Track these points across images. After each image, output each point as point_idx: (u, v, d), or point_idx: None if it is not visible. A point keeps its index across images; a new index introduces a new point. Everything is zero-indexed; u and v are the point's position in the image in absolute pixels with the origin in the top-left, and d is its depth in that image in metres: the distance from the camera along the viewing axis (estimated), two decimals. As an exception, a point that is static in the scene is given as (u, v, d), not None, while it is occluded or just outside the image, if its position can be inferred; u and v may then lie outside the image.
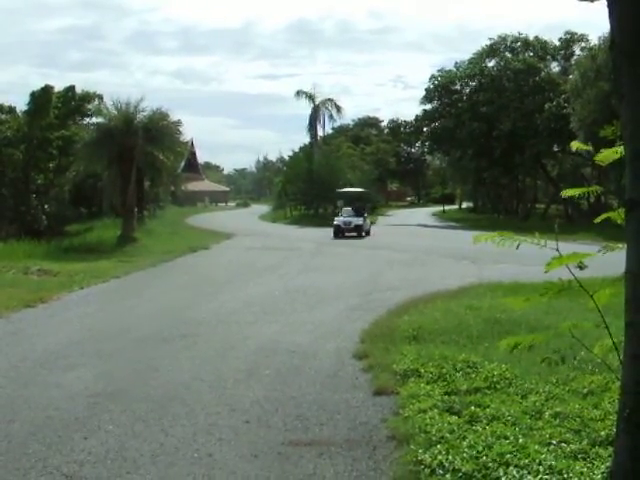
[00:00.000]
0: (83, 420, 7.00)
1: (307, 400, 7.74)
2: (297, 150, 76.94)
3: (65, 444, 6.33)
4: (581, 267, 3.53)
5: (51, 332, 11.54)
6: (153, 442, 6.37)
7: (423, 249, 28.24)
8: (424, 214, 70.14)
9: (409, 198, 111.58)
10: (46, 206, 41.38)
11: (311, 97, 62.13)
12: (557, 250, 3.50)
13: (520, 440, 5.90)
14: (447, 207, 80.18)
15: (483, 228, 43.44)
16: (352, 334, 11.12)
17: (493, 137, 53.51)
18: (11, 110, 43.15)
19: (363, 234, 38.10)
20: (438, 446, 5.84)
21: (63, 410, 7.32)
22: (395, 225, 51.37)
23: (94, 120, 38.45)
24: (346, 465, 5.86)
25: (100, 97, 38.11)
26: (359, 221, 38.39)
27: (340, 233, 37.64)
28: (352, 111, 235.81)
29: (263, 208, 73.22)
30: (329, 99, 63.01)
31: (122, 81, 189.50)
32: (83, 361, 9.50)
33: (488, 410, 6.76)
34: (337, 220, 38.92)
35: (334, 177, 58.51)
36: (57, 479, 5.59)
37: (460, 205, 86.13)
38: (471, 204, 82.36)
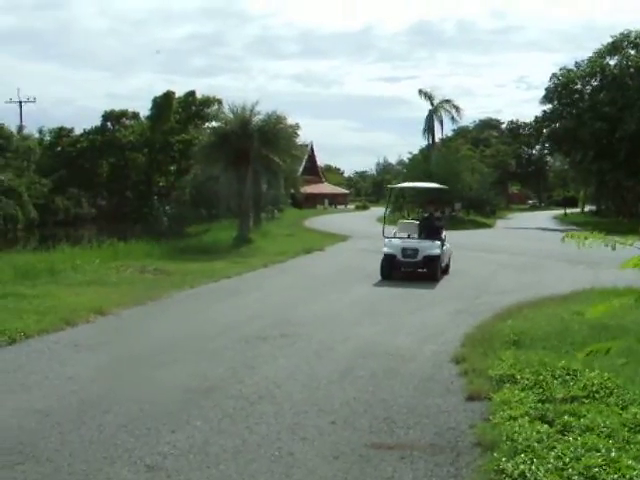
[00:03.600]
0: (173, 414, 7.15)
1: (397, 403, 7.65)
2: (416, 152, 76.61)
3: (152, 436, 6.49)
4: None
5: (156, 329, 11.88)
6: (237, 438, 6.44)
7: (540, 253, 27.55)
8: (545, 217, 68.44)
9: (530, 201, 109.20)
10: (167, 208, 42.89)
11: (430, 98, 61.65)
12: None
13: (612, 454, 5.60)
14: (569, 210, 77.92)
15: (606, 232, 41.99)
16: (454, 338, 10.95)
17: (616, 138, 51.43)
18: (135, 116, 44.92)
19: (439, 273, 19.42)
20: (522, 455, 5.63)
21: (156, 404, 7.50)
22: (514, 228, 50.31)
23: (213, 124, 39.35)
24: (426, 470, 5.74)
25: (219, 102, 39.13)
26: (433, 249, 19.31)
27: (393, 270, 19.48)
28: (473, 113, 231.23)
29: (381, 211, 72.93)
30: (447, 100, 62.38)
31: (244, 86, 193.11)
32: (183, 357, 9.72)
33: (583, 420, 6.47)
34: (388, 246, 19.70)
35: (453, 179, 57.78)
36: (140, 469, 5.74)
37: (582, 208, 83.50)
38: (594, 207, 79.70)
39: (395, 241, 19.79)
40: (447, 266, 20.51)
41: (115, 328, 11.93)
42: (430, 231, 20.08)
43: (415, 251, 19.13)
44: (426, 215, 21.50)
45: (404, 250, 19.24)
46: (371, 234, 41.08)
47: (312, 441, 6.44)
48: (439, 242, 19.40)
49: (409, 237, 20.36)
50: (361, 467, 5.84)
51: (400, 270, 19.44)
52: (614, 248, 4.47)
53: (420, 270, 19.36)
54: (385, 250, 19.36)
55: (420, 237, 20.20)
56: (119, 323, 12.38)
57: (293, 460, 5.97)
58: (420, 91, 62.39)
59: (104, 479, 5.55)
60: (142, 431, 6.64)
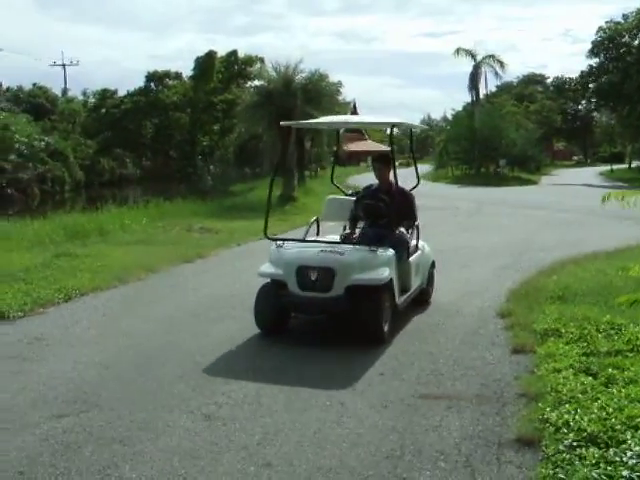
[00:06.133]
0: (226, 367, 7.45)
1: (444, 355, 7.84)
2: (459, 109, 75.87)
3: (207, 387, 6.79)
4: None
5: (205, 285, 12.18)
6: (289, 391, 6.69)
7: (585, 209, 27.26)
8: (590, 174, 67.45)
9: (576, 157, 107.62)
10: (211, 167, 43.37)
11: (472, 55, 60.64)
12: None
13: (655, 405, 5.73)
14: (615, 166, 76.47)
15: (653, 188, 41.47)
16: (499, 293, 11.05)
17: (664, 92, 50.39)
18: (178, 76, 45.15)
19: (384, 323, 8.24)
20: (567, 405, 5.79)
21: (209, 357, 7.78)
22: (559, 185, 49.75)
23: (256, 83, 39.41)
24: (473, 419, 5.93)
25: (262, 60, 39.03)
26: (373, 269, 8.24)
27: (282, 316, 8.74)
28: (518, 68, 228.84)
29: (425, 167, 72.53)
30: (491, 56, 61.30)
31: (286, 44, 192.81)
32: (232, 313, 9.99)
33: (626, 373, 6.56)
34: (274, 261, 8.71)
35: (497, 136, 57.37)
36: (197, 418, 6.04)
37: (630, 164, 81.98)
38: (641, 163, 78.20)
39: (290, 250, 8.75)
40: (424, 291, 10.33)
41: (166, 285, 12.29)
42: (378, 222, 9.33)
43: (327, 273, 8.20)
44: (373, 187, 9.94)
45: (302, 272, 8.32)
46: (414, 191, 41.23)
47: (362, 392, 6.66)
48: (391, 251, 8.59)
49: (346, 236, 9.83)
50: (409, 416, 6.05)
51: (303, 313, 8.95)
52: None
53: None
54: (263, 271, 8.89)
55: (362, 237, 9.26)
56: (169, 280, 12.72)
57: (344, 409, 6.20)
58: (458, 49, 60.88)
59: (164, 426, 5.84)
60: (198, 382, 6.95)
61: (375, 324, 8.19)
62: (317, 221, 10.22)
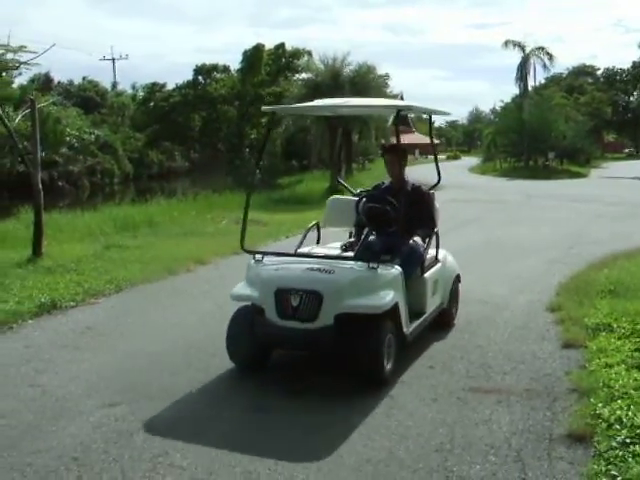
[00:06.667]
0: (278, 359, 7.45)
1: (493, 349, 7.79)
2: (508, 101, 75.05)
3: (257, 378, 6.88)
4: None
5: (254, 277, 12.21)
6: (338, 382, 6.74)
7: (637, 203, 26.85)
8: (642, 166, 66.28)
9: (627, 150, 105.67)
10: (259, 159, 43.55)
11: (521, 46, 59.88)
12: None
13: None
14: (669, 159, 75.13)
15: None
16: (548, 287, 10.92)
17: None
18: (225, 69, 45.44)
19: (385, 363, 6.51)
20: (619, 401, 5.73)
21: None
22: (609, 178, 48.94)
23: (303, 76, 39.50)
24: (523, 414, 5.89)
25: (309, 53, 39.23)
26: (371, 292, 6.44)
27: (259, 348, 6.96)
28: (567, 59, 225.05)
29: (473, 160, 71.98)
30: (540, 47, 60.43)
31: (332, 36, 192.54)
32: (281, 305, 10.01)
33: (681, 369, 6.49)
34: (249, 281, 7.04)
35: (546, 128, 56.62)
36: (247, 408, 6.13)
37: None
38: (697, 155, 76.61)
39: (269, 267, 7.09)
40: (446, 312, 8.66)
41: (215, 276, 12.37)
42: (386, 230, 7.44)
43: (312, 298, 6.44)
44: (383, 186, 8.40)
45: (282, 295, 6.58)
46: (462, 184, 40.83)
47: (411, 384, 6.66)
48: (397, 268, 6.96)
49: (348, 247, 7.97)
50: (459, 409, 6.03)
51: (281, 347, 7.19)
52: None
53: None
54: (235, 292, 7.21)
55: (363, 250, 6.91)
56: (219, 272, 12.81)
57: (393, 402, 6.21)
58: (507, 41, 60.13)
59: (214, 416, 5.91)
60: (247, 374, 7.00)
61: (372, 363, 6.47)
62: (317, 227, 8.28)
